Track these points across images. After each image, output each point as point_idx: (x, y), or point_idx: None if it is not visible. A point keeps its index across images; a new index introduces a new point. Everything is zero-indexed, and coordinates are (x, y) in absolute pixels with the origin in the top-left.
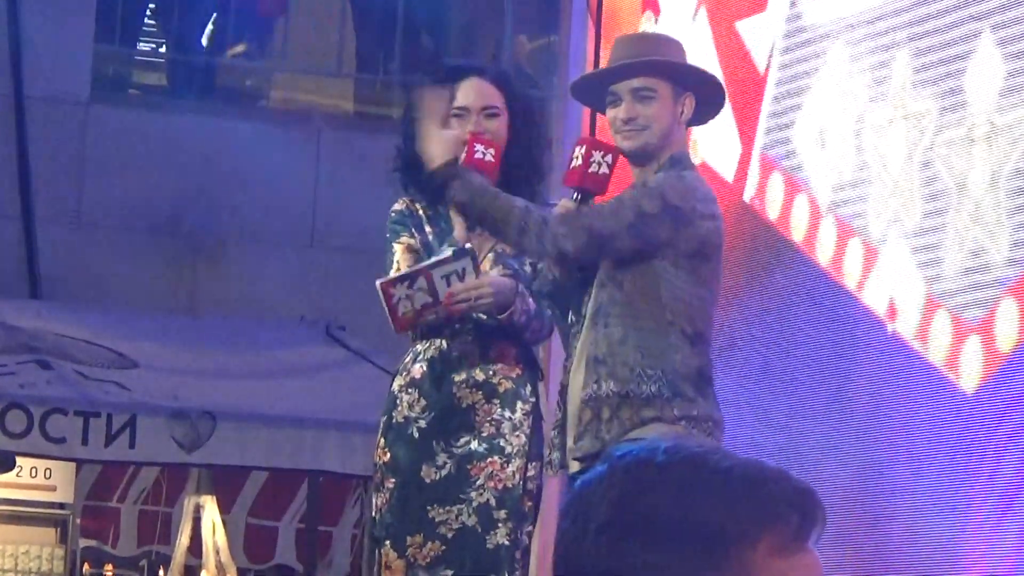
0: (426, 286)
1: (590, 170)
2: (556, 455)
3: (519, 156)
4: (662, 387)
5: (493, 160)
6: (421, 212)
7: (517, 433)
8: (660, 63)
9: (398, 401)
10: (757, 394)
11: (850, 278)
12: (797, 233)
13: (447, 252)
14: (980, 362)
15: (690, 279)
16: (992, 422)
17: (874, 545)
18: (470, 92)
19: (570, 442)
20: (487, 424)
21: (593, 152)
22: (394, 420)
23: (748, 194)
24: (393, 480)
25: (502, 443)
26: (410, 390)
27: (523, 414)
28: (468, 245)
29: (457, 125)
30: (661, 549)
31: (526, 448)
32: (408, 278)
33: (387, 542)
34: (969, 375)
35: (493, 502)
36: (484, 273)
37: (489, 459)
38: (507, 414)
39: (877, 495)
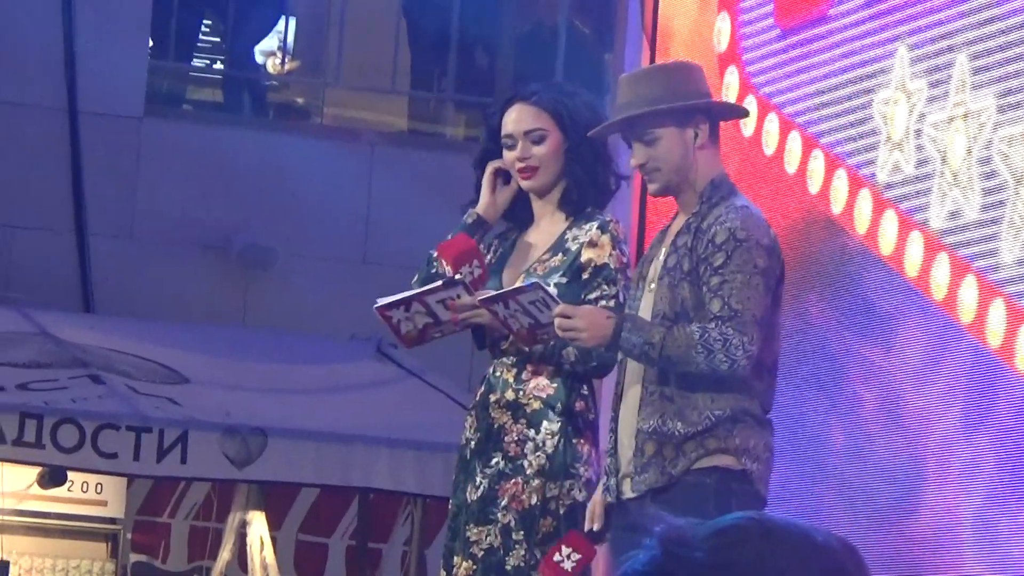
0: (423, 310)
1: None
2: (612, 481)
3: (580, 176)
4: (725, 419)
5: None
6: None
7: (538, 453)
8: (635, 118)
9: (464, 424)
10: (817, 385)
11: (911, 267)
12: (860, 226)
13: (437, 282)
14: None
15: (773, 308)
16: None
17: (926, 529)
18: (512, 119)
19: (626, 469)
20: (513, 445)
21: None
22: (460, 443)
23: (813, 190)
24: (451, 501)
25: (524, 464)
26: (471, 413)
27: (547, 433)
28: (457, 276)
29: (508, 154)
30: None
31: (546, 468)
32: (403, 303)
33: (442, 561)
34: (1023, 358)
35: (513, 523)
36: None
37: (513, 480)
38: (531, 433)
39: (929, 476)
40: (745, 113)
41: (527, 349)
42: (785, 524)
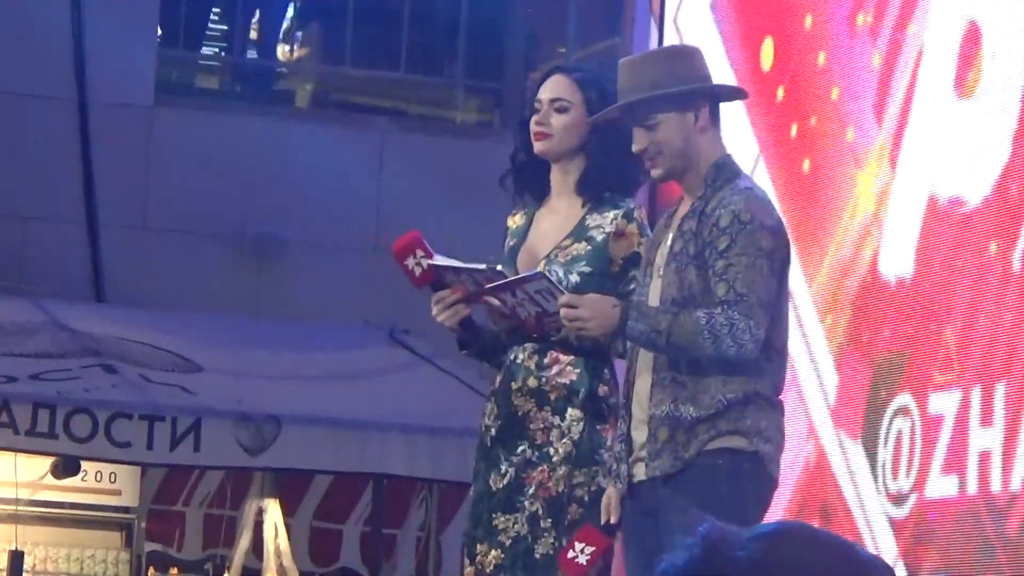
0: (468, 279)
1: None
2: (623, 468)
3: (600, 160)
4: (738, 402)
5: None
6: (518, 222)
7: (564, 440)
8: (635, 103)
9: (484, 411)
10: None
11: None
12: None
13: (481, 265)
14: None
15: (779, 290)
16: None
17: None
18: (547, 86)
19: (639, 453)
20: (539, 432)
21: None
22: (480, 430)
23: None
24: (472, 488)
25: (550, 451)
26: (490, 399)
27: (573, 420)
28: (499, 267)
29: (533, 117)
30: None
31: (572, 454)
32: (452, 271)
33: (464, 549)
34: None
35: (541, 511)
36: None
37: (540, 467)
38: (556, 420)
39: None
40: (745, 95)
41: (534, 336)
42: (829, 535)
